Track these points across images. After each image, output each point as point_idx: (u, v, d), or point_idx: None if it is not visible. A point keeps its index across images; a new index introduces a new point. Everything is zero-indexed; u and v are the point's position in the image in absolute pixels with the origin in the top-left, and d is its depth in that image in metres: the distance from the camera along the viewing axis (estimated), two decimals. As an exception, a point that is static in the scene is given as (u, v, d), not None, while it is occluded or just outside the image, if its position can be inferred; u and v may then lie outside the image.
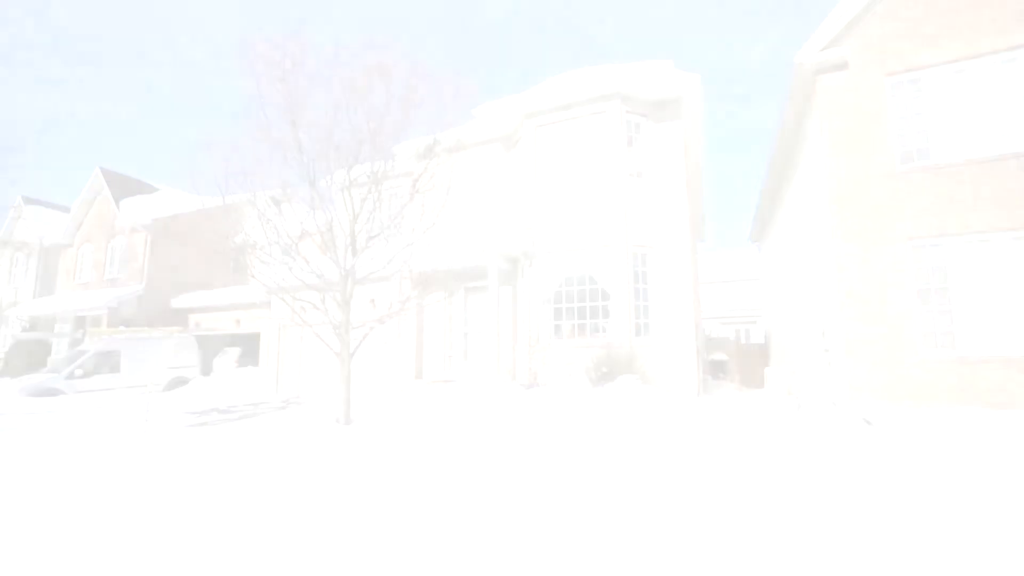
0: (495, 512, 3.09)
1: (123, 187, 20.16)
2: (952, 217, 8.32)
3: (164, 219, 18.38)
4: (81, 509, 3.56)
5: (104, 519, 3.27)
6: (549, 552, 2.57)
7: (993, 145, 8.27)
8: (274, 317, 15.08)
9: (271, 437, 4.99)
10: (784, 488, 3.45)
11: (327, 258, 6.65)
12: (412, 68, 5.27)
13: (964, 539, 2.75)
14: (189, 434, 8.31)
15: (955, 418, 5.53)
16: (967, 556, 2.58)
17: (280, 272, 6.80)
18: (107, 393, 12.91)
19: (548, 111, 11.67)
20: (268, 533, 2.94)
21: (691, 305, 10.49)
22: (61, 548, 2.87)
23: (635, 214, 10.76)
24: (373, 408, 8.30)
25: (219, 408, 12.95)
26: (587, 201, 11.02)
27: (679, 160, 11.05)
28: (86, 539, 2.97)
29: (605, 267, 10.72)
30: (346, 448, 4.28)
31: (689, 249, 10.78)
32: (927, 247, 8.47)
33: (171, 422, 10.94)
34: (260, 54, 5.47)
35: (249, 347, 17.00)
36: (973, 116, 8.45)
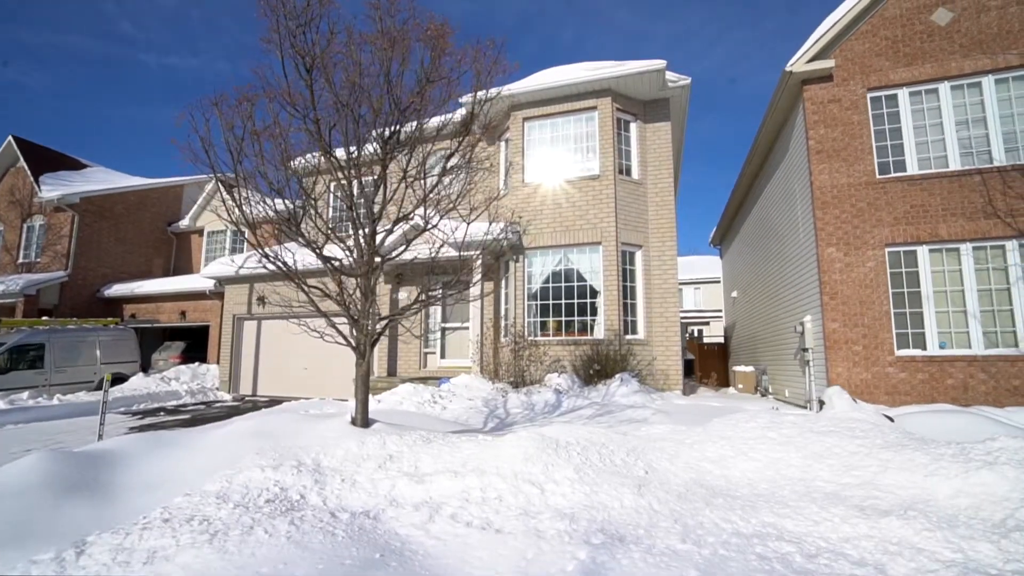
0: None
1: (43, 160, 17.83)
2: (924, 226, 8.86)
3: (95, 198, 16.44)
4: None
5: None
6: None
7: (959, 161, 8.89)
8: (229, 308, 13.87)
9: (265, 446, 4.33)
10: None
11: (333, 241, 6.01)
12: (443, 33, 4.81)
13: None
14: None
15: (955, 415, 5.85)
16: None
17: (296, 254, 6.08)
18: (30, 392, 11.31)
19: (537, 104, 11.42)
20: None
21: (676, 305, 10.62)
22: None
23: (624, 212, 10.74)
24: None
25: (166, 407, 11.71)
26: (575, 197, 10.88)
27: (667, 161, 11.15)
28: None
29: (593, 264, 10.63)
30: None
31: (674, 249, 10.90)
32: (902, 253, 8.98)
33: (109, 424, 9.71)
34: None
35: (196, 341, 15.56)
36: (942, 133, 9.04)
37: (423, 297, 5.97)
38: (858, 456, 3.90)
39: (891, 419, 5.53)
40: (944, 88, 9.15)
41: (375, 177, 5.65)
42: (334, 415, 5.47)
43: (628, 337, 10.26)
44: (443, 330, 12.23)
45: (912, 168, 9.08)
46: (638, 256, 10.87)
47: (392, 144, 5.41)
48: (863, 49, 9.56)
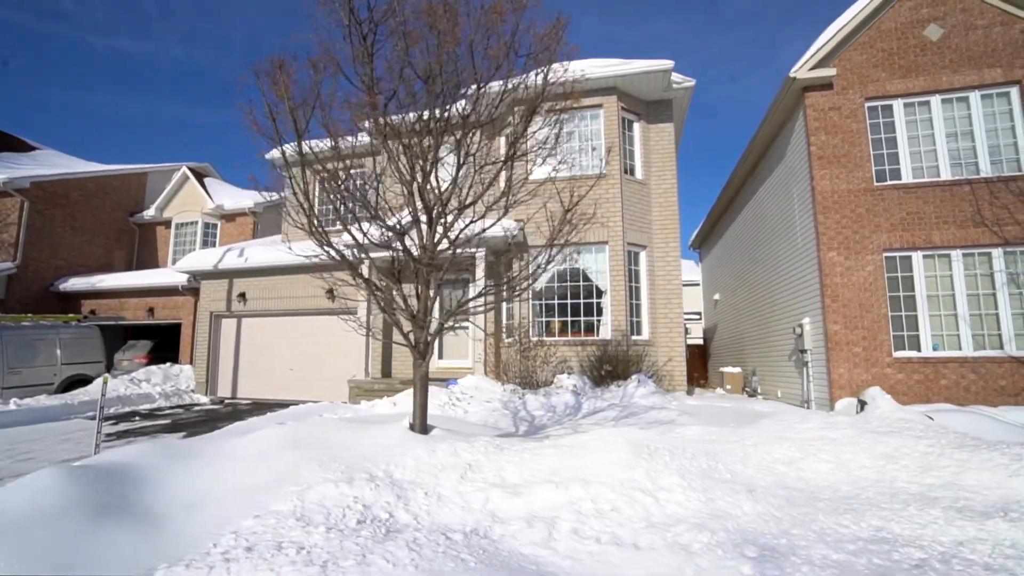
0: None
1: (-17, 140, 16.21)
2: (919, 232, 9.24)
3: (47, 183, 15.03)
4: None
5: None
6: None
7: (949, 171, 9.32)
8: (205, 305, 12.98)
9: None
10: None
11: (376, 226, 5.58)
12: (523, 5, 4.53)
13: None
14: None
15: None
16: None
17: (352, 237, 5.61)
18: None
19: (545, 98, 11.21)
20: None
21: (680, 306, 10.69)
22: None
23: (629, 212, 10.72)
24: (383, 412, 7.28)
25: (140, 411, 10.80)
26: (580, 195, 10.74)
27: (670, 161, 11.22)
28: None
29: (599, 264, 10.56)
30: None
31: (678, 251, 10.98)
32: (898, 258, 9.34)
33: (80, 430, 8.84)
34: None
35: (164, 340, 14.50)
36: (934, 144, 9.46)
37: (497, 292, 5.62)
38: (931, 456, 3.95)
39: (931, 418, 5.71)
40: (935, 101, 9.57)
41: (429, 156, 5.28)
42: (369, 420, 5.10)
43: (634, 338, 10.24)
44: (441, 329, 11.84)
45: (907, 177, 9.45)
46: (642, 256, 10.88)
47: (472, 121, 5.07)
48: (861, 60, 9.88)
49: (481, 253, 10.75)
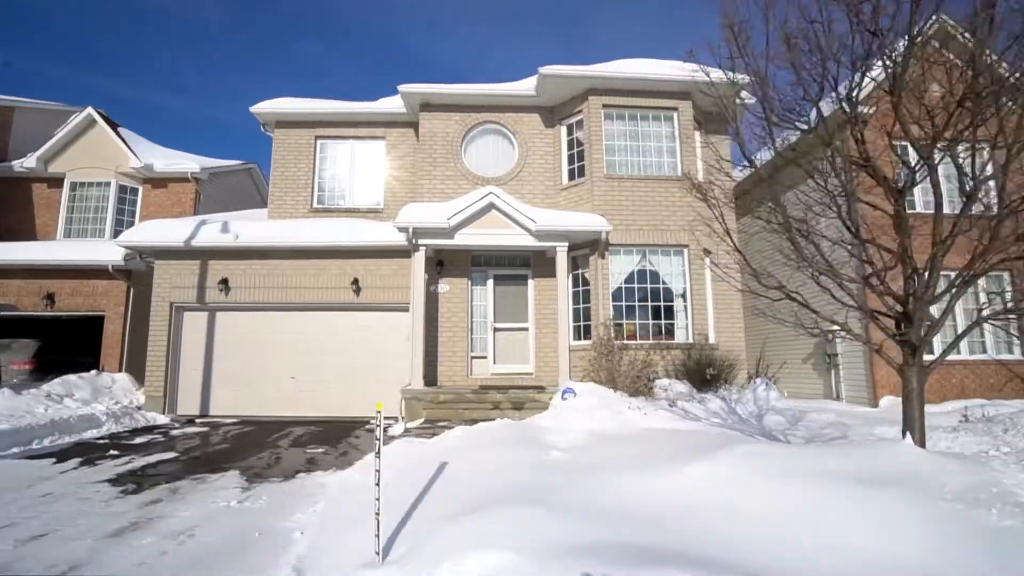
0: None
1: None
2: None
3: None
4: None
5: None
6: None
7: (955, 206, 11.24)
8: (163, 293, 9.60)
9: None
10: None
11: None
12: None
13: None
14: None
15: None
16: None
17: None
18: None
19: (616, 93, 10.78)
20: None
21: (740, 311, 11.05)
22: None
23: (700, 217, 10.81)
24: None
25: (88, 441, 7.36)
26: (660, 197, 10.56)
27: (722, 173, 11.59)
28: None
29: (675, 266, 10.45)
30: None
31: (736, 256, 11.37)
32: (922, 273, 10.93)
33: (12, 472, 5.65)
34: None
35: (65, 338, 10.37)
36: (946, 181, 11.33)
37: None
38: None
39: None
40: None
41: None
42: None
43: (713, 342, 10.31)
44: (495, 331, 10.50)
45: (919, 206, 11.17)
46: (707, 261, 11.03)
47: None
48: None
49: (564, 247, 9.88)
